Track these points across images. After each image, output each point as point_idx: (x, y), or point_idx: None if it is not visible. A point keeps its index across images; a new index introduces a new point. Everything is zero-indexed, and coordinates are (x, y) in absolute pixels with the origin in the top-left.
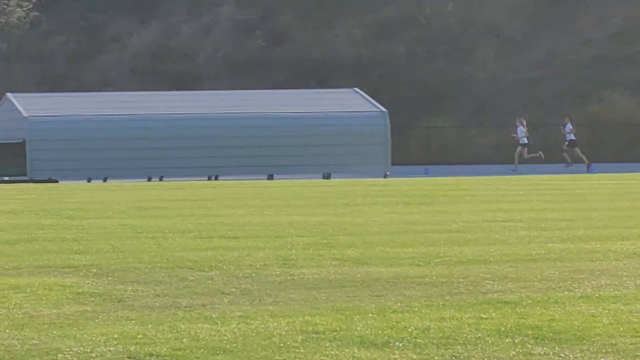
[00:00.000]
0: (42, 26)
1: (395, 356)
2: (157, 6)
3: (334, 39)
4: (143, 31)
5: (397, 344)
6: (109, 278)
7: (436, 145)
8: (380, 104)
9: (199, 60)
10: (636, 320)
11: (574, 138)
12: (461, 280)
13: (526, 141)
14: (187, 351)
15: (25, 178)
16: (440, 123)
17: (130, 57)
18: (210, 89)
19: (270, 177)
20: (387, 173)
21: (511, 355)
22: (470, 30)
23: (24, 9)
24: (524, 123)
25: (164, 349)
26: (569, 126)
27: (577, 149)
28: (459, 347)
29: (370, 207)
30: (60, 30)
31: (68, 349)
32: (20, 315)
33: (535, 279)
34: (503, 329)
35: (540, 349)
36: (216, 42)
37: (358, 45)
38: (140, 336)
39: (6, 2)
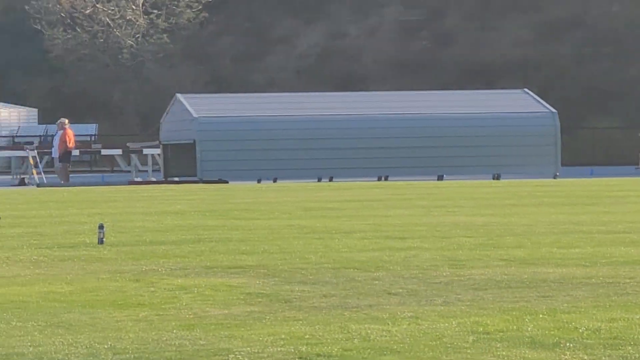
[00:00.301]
0: (210, 27)
1: (566, 357)
2: (323, 7)
3: (500, 39)
4: (309, 32)
5: (567, 344)
6: (276, 278)
7: (602, 146)
8: (548, 104)
9: (365, 61)
10: None
11: None
12: (627, 280)
13: None
14: (355, 352)
15: (195, 178)
16: (606, 124)
17: (296, 58)
18: (376, 90)
19: (440, 178)
20: (557, 174)
21: None
22: (636, 30)
23: (194, 10)
24: None
25: (335, 349)
26: None
27: None
28: (629, 347)
29: (537, 208)
30: (228, 31)
31: (237, 350)
32: (189, 316)
33: None
34: None
35: None
36: (382, 43)
37: (524, 46)
38: (308, 336)
39: (176, 2)
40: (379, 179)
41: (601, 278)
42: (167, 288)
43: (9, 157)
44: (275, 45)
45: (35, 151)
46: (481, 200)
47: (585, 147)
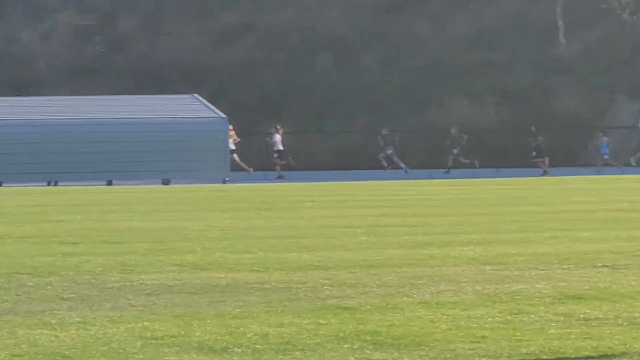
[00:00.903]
0: None
1: None
2: None
3: (174, 45)
4: None
5: (235, 349)
6: None
7: (271, 151)
8: (221, 110)
9: (39, 66)
10: (474, 325)
11: (281, 148)
12: (300, 286)
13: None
14: (26, 357)
15: None
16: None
17: None
18: (50, 95)
19: (110, 183)
20: (227, 178)
21: None
22: (310, 36)
23: None
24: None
25: (3, 354)
26: (276, 136)
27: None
28: (297, 352)
29: (209, 213)
30: None
31: None
32: None
33: (374, 285)
34: (342, 334)
35: (379, 354)
36: (56, 48)
37: (198, 52)
38: None
39: None
40: (49, 184)
41: (273, 283)
42: None
43: None
44: None
45: None
46: (154, 205)
47: (259, 152)
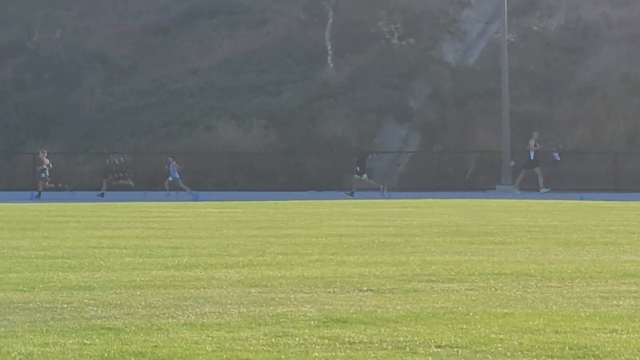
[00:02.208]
0: None
1: None
2: None
3: None
4: None
5: None
6: None
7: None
8: None
9: None
10: (239, 347)
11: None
12: (65, 305)
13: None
14: None
15: None
16: (47, 149)
17: None
18: None
19: None
20: None
21: None
22: (78, 57)
23: None
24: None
25: None
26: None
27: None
28: None
29: None
30: None
31: None
32: None
33: (140, 306)
34: (106, 355)
35: None
36: None
37: None
38: None
39: None
40: None
41: (38, 303)
42: None
43: None
44: None
45: None
46: None
47: (26, 172)
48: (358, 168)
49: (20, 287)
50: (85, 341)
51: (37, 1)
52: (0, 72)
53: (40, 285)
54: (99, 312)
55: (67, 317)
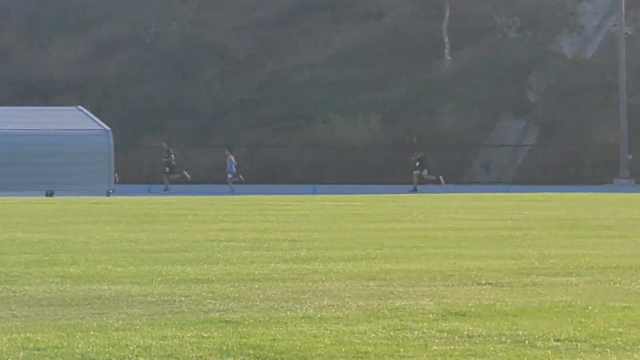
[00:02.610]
0: None
1: None
2: None
3: (60, 57)
4: None
5: None
6: None
7: (160, 164)
8: (104, 122)
9: None
10: (358, 341)
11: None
12: (183, 298)
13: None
14: None
15: None
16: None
17: None
18: None
19: None
20: (110, 191)
21: None
22: (195, 50)
23: None
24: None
25: None
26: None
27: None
28: None
29: (92, 225)
30: None
31: None
32: None
33: (258, 299)
34: (225, 348)
35: None
36: None
37: (84, 64)
38: None
39: None
40: None
41: (157, 296)
42: None
43: None
44: None
45: None
46: (37, 217)
47: (142, 165)
48: (418, 163)
49: (139, 280)
50: (204, 334)
51: None
52: (119, 65)
53: (159, 279)
54: (217, 305)
55: (186, 310)
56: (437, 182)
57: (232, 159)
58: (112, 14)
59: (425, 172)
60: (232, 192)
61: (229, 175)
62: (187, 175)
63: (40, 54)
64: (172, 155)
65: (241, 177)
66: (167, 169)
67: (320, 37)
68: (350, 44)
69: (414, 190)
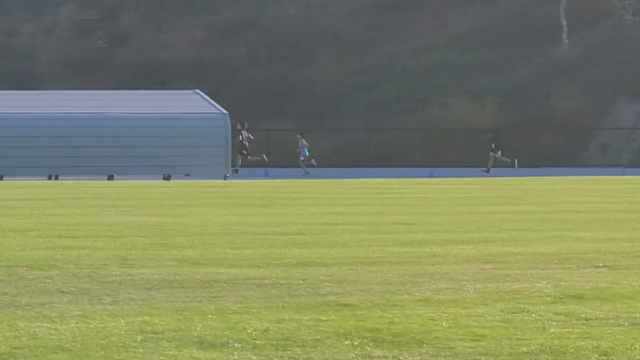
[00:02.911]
0: None
1: (234, 357)
2: None
3: (174, 40)
4: None
5: (235, 344)
6: None
7: (277, 147)
8: (221, 106)
9: (40, 60)
10: (475, 324)
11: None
12: (300, 282)
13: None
14: (26, 350)
15: None
16: (280, 126)
17: None
18: (51, 89)
19: (111, 178)
20: (228, 175)
21: (350, 357)
22: (311, 33)
23: None
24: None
25: (3, 347)
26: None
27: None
28: (297, 348)
29: (209, 209)
30: None
31: None
32: None
33: (375, 282)
34: (342, 331)
35: (379, 351)
36: (57, 42)
37: (199, 47)
38: None
39: None
40: (49, 178)
41: (274, 279)
42: None
43: None
44: None
45: None
46: (154, 200)
47: (260, 148)
48: (494, 145)
49: (256, 264)
50: (321, 317)
51: None
52: (234, 49)
53: (275, 262)
54: (334, 288)
55: (303, 293)
56: (512, 164)
57: (304, 142)
58: None
59: (499, 153)
60: (306, 175)
61: (302, 158)
62: (266, 159)
63: (157, 37)
64: (247, 136)
65: (314, 161)
66: (244, 151)
67: (439, 20)
68: (470, 27)
69: (487, 172)
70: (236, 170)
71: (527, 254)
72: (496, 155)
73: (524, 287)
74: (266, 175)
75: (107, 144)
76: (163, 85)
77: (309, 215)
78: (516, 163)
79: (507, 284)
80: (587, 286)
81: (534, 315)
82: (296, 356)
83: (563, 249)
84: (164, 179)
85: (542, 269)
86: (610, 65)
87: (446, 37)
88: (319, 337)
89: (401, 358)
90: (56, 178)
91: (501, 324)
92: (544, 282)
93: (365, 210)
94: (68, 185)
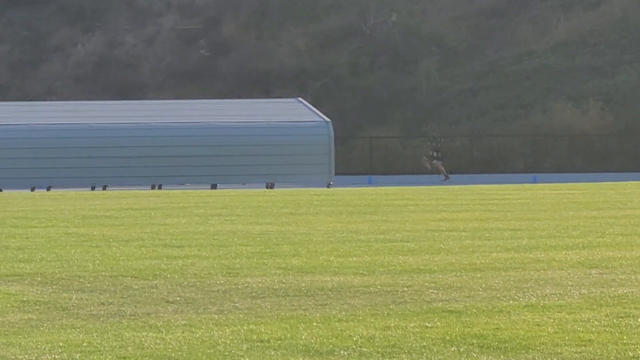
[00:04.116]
0: None
1: None
2: (100, 16)
3: (277, 49)
4: (86, 41)
5: (341, 352)
6: (54, 286)
7: (379, 155)
8: (324, 114)
9: (143, 70)
10: (581, 329)
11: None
12: (405, 289)
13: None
14: (132, 359)
15: None
16: (383, 133)
17: (74, 66)
18: (154, 99)
19: (214, 187)
20: (331, 183)
21: None
22: (413, 40)
23: None
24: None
25: (109, 357)
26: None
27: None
28: (404, 355)
29: (314, 217)
30: (4, 40)
31: (13, 357)
32: None
33: (480, 288)
34: (448, 337)
35: (485, 357)
36: (159, 52)
37: (301, 56)
38: (85, 344)
39: None
40: (153, 187)
41: (379, 286)
42: None
43: None
44: (52, 54)
45: None
46: (258, 208)
47: (362, 156)
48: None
49: (361, 271)
50: (427, 324)
51: None
52: (336, 56)
53: (380, 269)
54: (440, 295)
55: (408, 300)
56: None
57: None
58: (332, 5)
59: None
60: (447, 181)
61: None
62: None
63: (258, 46)
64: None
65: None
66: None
67: (540, 25)
68: (571, 32)
69: (447, 178)
70: (447, 177)
71: (632, 258)
72: (436, 163)
73: (630, 292)
74: (370, 183)
75: (210, 153)
76: (266, 93)
77: (413, 222)
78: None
79: (613, 289)
80: None
81: (639, 320)
82: None
83: None
84: (267, 187)
85: None
86: None
87: (548, 43)
88: (425, 344)
89: None
90: (160, 187)
91: (607, 329)
92: None
93: (469, 216)
94: (172, 194)
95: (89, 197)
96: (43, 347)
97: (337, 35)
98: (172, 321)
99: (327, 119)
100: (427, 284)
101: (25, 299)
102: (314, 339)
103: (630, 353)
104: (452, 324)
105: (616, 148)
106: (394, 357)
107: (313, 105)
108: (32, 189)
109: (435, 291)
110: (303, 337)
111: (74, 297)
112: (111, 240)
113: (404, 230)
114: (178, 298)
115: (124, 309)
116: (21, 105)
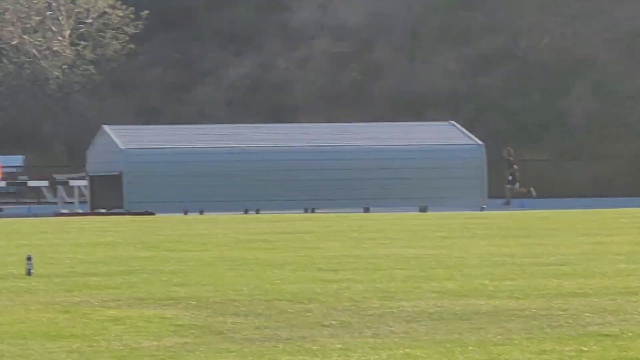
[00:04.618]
0: (137, 59)
1: None
2: (252, 39)
3: (429, 71)
4: (238, 64)
5: None
6: (208, 310)
7: (531, 178)
8: (476, 137)
9: (295, 93)
10: None
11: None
12: (561, 313)
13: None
14: None
15: (121, 210)
16: (535, 156)
17: (226, 89)
18: (306, 122)
19: (367, 210)
20: (484, 206)
21: None
22: (566, 63)
23: (120, 41)
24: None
25: None
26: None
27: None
28: None
29: (468, 240)
30: (156, 63)
31: None
32: (120, 347)
33: (635, 312)
34: None
35: None
36: (312, 75)
37: (454, 78)
38: None
39: (103, 34)
40: (306, 211)
41: (534, 310)
42: (99, 319)
43: None
44: (204, 77)
45: None
46: (411, 232)
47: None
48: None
49: (515, 295)
50: (582, 348)
51: (526, 7)
52: (488, 79)
53: (535, 293)
54: (595, 318)
55: (564, 324)
56: (529, 195)
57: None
58: (485, 28)
59: (517, 185)
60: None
61: (515, 186)
62: (533, 193)
63: (411, 68)
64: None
65: (533, 190)
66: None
67: None
68: None
69: (507, 204)
70: (508, 202)
71: None
72: (514, 187)
73: None
74: (522, 206)
75: (362, 176)
76: (418, 116)
77: (567, 245)
78: (533, 192)
79: None
80: None
81: None
82: None
83: None
84: (420, 211)
85: None
86: None
87: None
88: None
89: None
90: (312, 211)
91: None
92: None
93: (624, 239)
94: (325, 218)
95: (242, 221)
96: None
97: (489, 58)
98: (328, 345)
99: (480, 142)
100: (582, 307)
101: (180, 323)
102: None
103: None
104: (608, 347)
105: None
106: None
107: (465, 128)
108: (185, 213)
109: (591, 315)
110: None
111: (229, 321)
112: (265, 264)
113: (558, 253)
114: (333, 322)
115: (279, 332)
116: (174, 128)
